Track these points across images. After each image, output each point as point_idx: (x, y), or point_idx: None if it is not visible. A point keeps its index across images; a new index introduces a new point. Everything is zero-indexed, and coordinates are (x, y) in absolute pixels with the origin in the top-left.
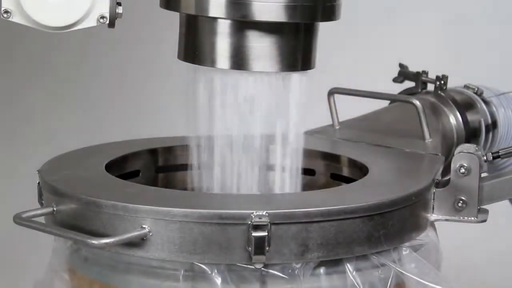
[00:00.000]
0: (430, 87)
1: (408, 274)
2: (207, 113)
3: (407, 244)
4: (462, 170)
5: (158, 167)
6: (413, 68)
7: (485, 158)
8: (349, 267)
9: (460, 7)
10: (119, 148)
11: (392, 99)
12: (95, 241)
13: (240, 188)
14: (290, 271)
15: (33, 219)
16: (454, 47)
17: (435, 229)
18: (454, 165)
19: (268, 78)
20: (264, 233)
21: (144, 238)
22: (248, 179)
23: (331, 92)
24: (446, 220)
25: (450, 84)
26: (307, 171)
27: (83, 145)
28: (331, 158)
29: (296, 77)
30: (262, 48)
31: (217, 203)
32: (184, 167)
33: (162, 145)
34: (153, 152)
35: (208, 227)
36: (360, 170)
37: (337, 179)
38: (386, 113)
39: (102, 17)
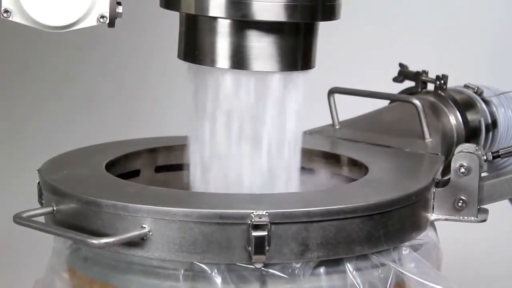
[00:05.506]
0: (430, 86)
1: (408, 274)
2: (207, 113)
3: (407, 243)
4: (462, 169)
5: (158, 166)
6: (413, 68)
7: (485, 157)
8: (349, 266)
9: (460, 7)
10: (119, 148)
11: (392, 98)
12: (95, 241)
13: (240, 187)
14: (290, 270)
15: (33, 218)
16: (453, 47)
17: (435, 228)
18: (454, 164)
19: (268, 77)
20: (264, 233)
21: (144, 238)
22: (248, 179)
23: (331, 92)
24: (446, 219)
25: (450, 84)
26: (307, 171)
27: (83, 145)
28: (331, 158)
29: (296, 77)
30: (262, 48)
31: (217, 203)
32: (184, 166)
33: (162, 144)
34: (153, 151)
35: (208, 226)
36: (360, 169)
37: (337, 178)
38: (386, 112)
39: (102, 17)
